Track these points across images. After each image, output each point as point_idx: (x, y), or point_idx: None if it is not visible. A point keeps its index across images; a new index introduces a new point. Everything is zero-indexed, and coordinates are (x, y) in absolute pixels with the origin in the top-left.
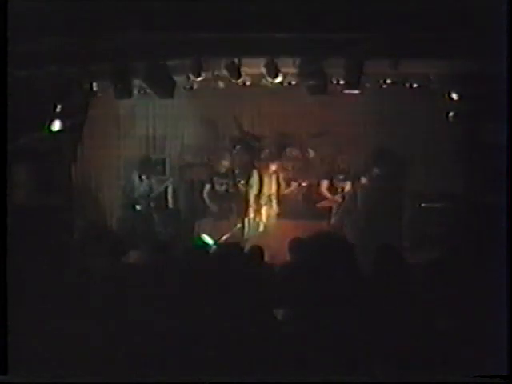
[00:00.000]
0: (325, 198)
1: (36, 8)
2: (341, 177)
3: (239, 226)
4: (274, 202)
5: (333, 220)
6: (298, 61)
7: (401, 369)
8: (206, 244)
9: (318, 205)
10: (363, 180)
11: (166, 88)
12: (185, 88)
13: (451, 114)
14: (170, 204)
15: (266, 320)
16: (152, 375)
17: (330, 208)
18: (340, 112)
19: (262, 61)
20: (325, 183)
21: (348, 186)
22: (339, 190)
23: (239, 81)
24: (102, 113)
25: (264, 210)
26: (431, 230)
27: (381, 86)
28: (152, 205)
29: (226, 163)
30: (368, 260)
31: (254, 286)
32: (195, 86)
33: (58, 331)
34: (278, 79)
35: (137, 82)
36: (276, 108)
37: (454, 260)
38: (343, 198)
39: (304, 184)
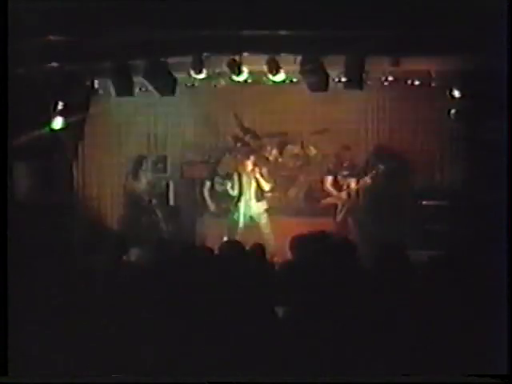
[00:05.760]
0: (329, 195)
1: (36, 6)
2: (345, 173)
3: (240, 223)
4: (275, 199)
5: (338, 217)
6: (299, 58)
7: (401, 369)
8: None
9: (323, 201)
10: (367, 177)
11: (167, 85)
12: (186, 85)
13: (453, 111)
14: (171, 201)
15: (266, 319)
16: (152, 375)
17: (335, 205)
18: (341, 109)
19: (263, 58)
20: (329, 179)
21: (353, 183)
22: (344, 187)
23: (240, 78)
24: (103, 110)
25: (265, 208)
26: (434, 228)
27: (382, 84)
28: (153, 202)
29: (226, 161)
30: (372, 257)
31: (256, 284)
32: (196, 84)
33: (58, 331)
34: (280, 76)
35: (138, 79)
36: (277, 105)
37: (455, 258)
38: (349, 195)
39: (304, 181)
